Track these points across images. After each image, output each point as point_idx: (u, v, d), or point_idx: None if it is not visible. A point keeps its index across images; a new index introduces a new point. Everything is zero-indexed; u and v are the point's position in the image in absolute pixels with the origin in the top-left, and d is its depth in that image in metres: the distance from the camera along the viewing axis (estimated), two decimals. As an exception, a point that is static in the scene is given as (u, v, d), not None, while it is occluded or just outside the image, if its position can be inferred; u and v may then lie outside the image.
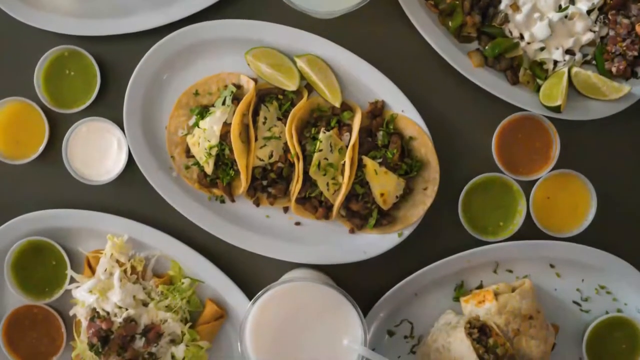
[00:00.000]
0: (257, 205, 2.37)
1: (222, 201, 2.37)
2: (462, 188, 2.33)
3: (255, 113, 2.30)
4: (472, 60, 2.33)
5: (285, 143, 2.30)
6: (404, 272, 2.33)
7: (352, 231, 2.36)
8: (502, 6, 2.30)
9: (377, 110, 2.32)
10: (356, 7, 2.13)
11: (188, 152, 2.34)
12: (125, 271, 2.32)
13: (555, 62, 2.32)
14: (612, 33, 2.31)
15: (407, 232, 2.33)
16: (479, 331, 2.23)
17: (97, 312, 2.28)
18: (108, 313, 2.28)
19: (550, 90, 2.30)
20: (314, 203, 2.32)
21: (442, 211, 2.36)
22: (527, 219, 2.33)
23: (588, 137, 2.38)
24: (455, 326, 2.25)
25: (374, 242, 2.34)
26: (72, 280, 2.34)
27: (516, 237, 2.33)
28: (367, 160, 2.27)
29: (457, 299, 2.37)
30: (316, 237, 2.36)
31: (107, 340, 2.26)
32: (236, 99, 2.30)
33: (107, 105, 2.37)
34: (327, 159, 2.26)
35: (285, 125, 2.29)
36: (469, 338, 2.19)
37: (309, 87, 2.34)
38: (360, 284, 2.38)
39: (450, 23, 2.31)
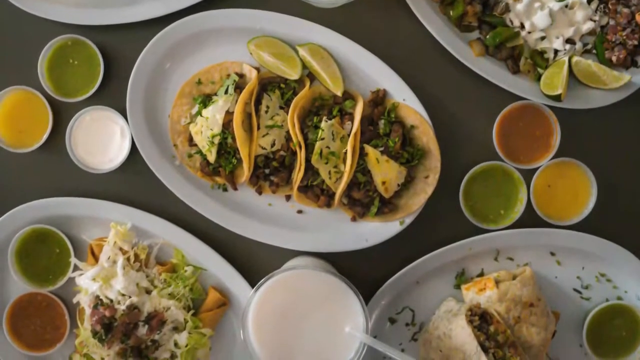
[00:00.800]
0: (260, 193, 2.38)
1: (225, 189, 2.38)
2: (463, 176, 2.34)
3: (258, 102, 2.32)
4: (473, 50, 2.34)
5: (288, 132, 2.31)
6: (405, 259, 2.35)
7: (353, 219, 2.37)
8: (502, -5, 2.32)
9: (378, 99, 2.34)
10: (358, -4, 2.16)
11: (191, 141, 2.36)
12: (128, 259, 2.33)
13: (556, 51, 2.33)
14: (612, 22, 2.32)
15: (408, 220, 2.34)
16: (480, 318, 2.24)
17: (101, 300, 2.29)
18: (111, 300, 2.29)
19: (551, 79, 2.31)
20: (316, 191, 2.33)
21: (443, 199, 2.37)
22: (527, 207, 2.34)
23: (588, 125, 2.39)
24: (457, 314, 2.26)
25: (376, 230, 2.35)
26: (76, 268, 2.35)
27: (517, 225, 2.35)
28: (368, 148, 2.29)
29: (458, 287, 2.38)
30: (318, 225, 2.37)
31: (111, 328, 2.27)
32: (239, 87, 2.31)
33: (111, 94, 2.38)
34: (329, 148, 2.27)
35: (287, 113, 2.30)
36: (470, 325, 2.20)
37: (311, 76, 2.35)
38: (362, 271, 2.39)
39: (451, 12, 2.32)
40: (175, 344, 2.31)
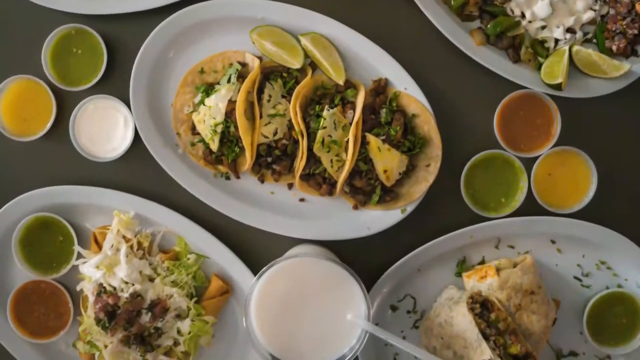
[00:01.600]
0: (262, 181, 2.39)
1: (227, 178, 2.39)
2: (464, 165, 2.35)
3: (260, 91, 2.32)
4: (474, 39, 2.35)
5: (290, 120, 2.32)
6: (407, 247, 2.36)
7: (355, 207, 2.38)
8: (503, -15, 2.33)
9: (380, 88, 2.35)
10: (360, -15, 2.17)
11: (194, 130, 2.37)
12: (131, 247, 2.34)
13: (557, 41, 2.34)
14: (612, 11, 2.34)
15: (410, 209, 2.35)
16: (481, 306, 2.25)
17: (104, 288, 2.30)
18: (115, 288, 2.30)
19: (552, 68, 2.32)
20: (318, 180, 2.34)
21: (444, 188, 2.38)
22: (528, 195, 2.35)
23: (589, 114, 2.40)
24: (458, 301, 2.27)
25: (378, 218, 2.36)
26: (79, 255, 2.37)
27: (518, 213, 2.35)
28: (370, 137, 2.30)
29: (459, 275, 2.39)
30: (320, 214, 2.38)
31: (114, 315, 2.28)
32: (241, 76, 2.32)
33: (114, 83, 2.39)
34: (330, 136, 2.28)
35: (289, 102, 2.31)
36: (471, 313, 2.20)
37: (313, 65, 2.36)
38: (363, 259, 2.40)
39: (452, 2, 2.33)
40: (178, 332, 2.32)
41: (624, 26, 2.32)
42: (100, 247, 2.35)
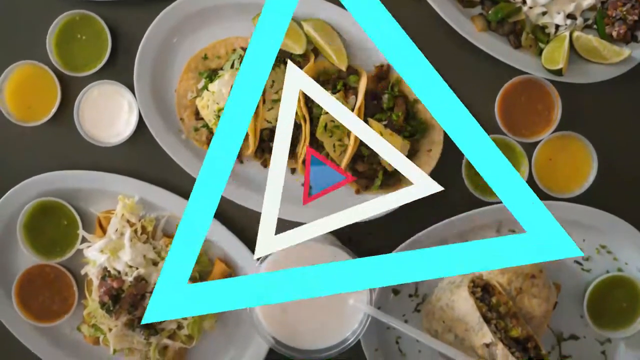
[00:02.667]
0: (265, 166, 2.40)
1: (231, 162, 2.41)
2: (465, 150, 2.36)
3: (263, 76, 2.34)
4: (476, 25, 2.37)
5: (293, 106, 2.34)
6: (408, 232, 2.36)
7: (358, 192, 2.39)
8: (504, -28, 2.34)
9: (382, 74, 2.36)
10: (362, -30, 2.18)
11: (197, 115, 2.38)
12: (135, 231, 2.35)
13: (557, 26, 2.36)
14: (612, -2, 2.36)
15: (411, 193, 2.37)
16: (482, 290, 2.26)
17: (108, 271, 2.31)
18: (119, 272, 2.31)
19: (552, 54, 2.33)
20: (321, 164, 2.36)
21: (445, 172, 2.38)
22: (529, 180, 2.36)
23: (589, 99, 2.41)
24: (459, 285, 2.28)
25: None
26: (84, 240, 2.38)
27: (519, 197, 2.37)
28: (372, 122, 2.31)
29: (460, 259, 2.40)
30: (322, 198, 2.38)
31: (118, 299, 2.29)
32: (244, 62, 2.34)
33: (118, 68, 2.40)
34: (333, 121, 2.29)
35: (292, 88, 2.33)
36: (472, 297, 2.21)
37: (316, 51, 2.37)
38: (365, 244, 2.41)
39: (454, -12, 2.35)
40: (182, 316, 2.34)
41: (624, 12, 2.33)
42: (104, 231, 2.36)
